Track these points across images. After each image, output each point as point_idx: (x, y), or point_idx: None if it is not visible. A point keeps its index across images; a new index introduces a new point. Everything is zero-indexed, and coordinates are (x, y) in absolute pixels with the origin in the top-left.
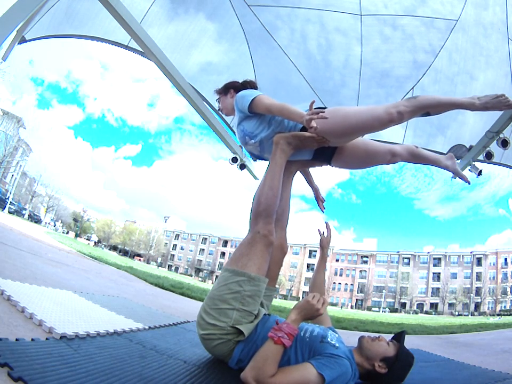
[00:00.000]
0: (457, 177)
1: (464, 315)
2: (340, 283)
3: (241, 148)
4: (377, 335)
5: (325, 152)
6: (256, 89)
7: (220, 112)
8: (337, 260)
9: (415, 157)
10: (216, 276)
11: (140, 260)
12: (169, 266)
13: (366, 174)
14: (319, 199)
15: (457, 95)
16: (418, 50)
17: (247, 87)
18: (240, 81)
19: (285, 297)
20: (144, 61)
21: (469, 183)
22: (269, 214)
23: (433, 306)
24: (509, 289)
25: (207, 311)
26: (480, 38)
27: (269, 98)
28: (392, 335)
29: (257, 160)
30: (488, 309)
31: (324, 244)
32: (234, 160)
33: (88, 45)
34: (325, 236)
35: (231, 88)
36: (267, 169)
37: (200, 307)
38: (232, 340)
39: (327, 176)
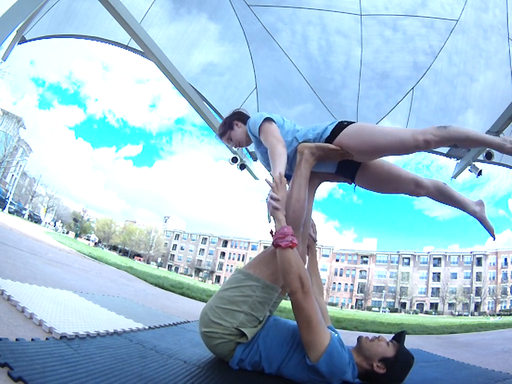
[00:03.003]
0: (484, 227)
1: (464, 315)
2: (339, 283)
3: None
4: (377, 335)
5: (349, 167)
6: (247, 117)
7: (237, 147)
8: (337, 260)
9: (441, 194)
10: (216, 276)
11: (139, 260)
12: (169, 266)
13: None
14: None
15: (457, 96)
16: (418, 52)
17: (243, 115)
18: (233, 113)
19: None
20: (145, 61)
21: (494, 238)
22: (296, 227)
23: (433, 306)
24: (509, 289)
25: (213, 309)
26: (480, 40)
27: (270, 129)
28: (392, 335)
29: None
30: (488, 309)
31: (310, 243)
32: (234, 160)
33: (89, 45)
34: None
35: (234, 120)
36: (293, 178)
37: (206, 304)
38: (234, 341)
39: None
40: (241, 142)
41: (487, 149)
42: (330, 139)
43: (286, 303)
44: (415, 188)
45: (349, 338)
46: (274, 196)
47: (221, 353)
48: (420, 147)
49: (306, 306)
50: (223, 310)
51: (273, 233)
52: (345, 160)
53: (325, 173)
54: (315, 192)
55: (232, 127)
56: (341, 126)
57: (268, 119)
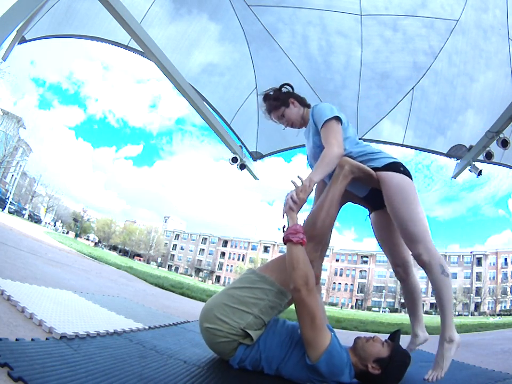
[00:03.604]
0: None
1: (464, 315)
2: (340, 283)
3: (241, 148)
4: (372, 335)
5: (378, 199)
6: (301, 98)
7: (287, 127)
8: (337, 260)
9: (410, 295)
10: (216, 276)
11: (139, 260)
12: (169, 266)
13: None
14: None
15: (457, 96)
16: (418, 52)
17: (297, 95)
18: (285, 90)
19: None
20: (145, 61)
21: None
22: (320, 241)
23: (433, 306)
24: (509, 289)
25: (221, 306)
26: (480, 40)
27: (335, 129)
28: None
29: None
30: (488, 309)
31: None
32: (234, 160)
33: (89, 45)
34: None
35: (290, 98)
36: (327, 190)
37: (212, 299)
38: (237, 341)
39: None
40: (295, 123)
41: (487, 148)
42: (376, 169)
43: None
44: (402, 265)
45: (349, 338)
46: (294, 197)
47: (222, 352)
48: (420, 259)
49: (310, 303)
50: (232, 309)
51: (285, 229)
52: (378, 190)
53: (353, 193)
54: (339, 210)
55: (287, 104)
56: (395, 167)
57: (337, 118)
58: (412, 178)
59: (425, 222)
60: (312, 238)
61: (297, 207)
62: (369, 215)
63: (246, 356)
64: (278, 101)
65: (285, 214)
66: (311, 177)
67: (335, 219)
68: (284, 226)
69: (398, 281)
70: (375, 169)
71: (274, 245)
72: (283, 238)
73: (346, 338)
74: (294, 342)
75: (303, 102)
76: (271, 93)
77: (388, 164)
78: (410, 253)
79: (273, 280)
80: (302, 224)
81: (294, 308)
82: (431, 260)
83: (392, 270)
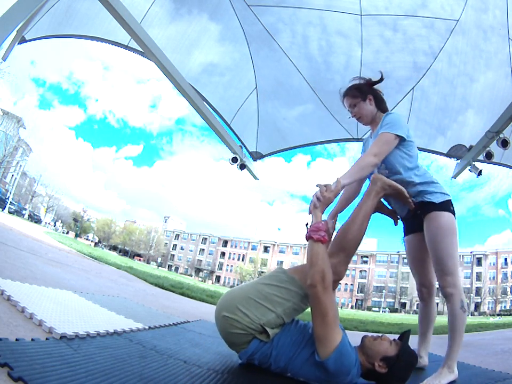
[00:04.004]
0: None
1: None
2: (340, 283)
3: (241, 148)
4: (380, 334)
5: (418, 221)
6: (381, 98)
7: (353, 117)
8: None
9: (426, 316)
10: (216, 276)
11: (139, 260)
12: (169, 266)
13: None
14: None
15: (457, 96)
16: (418, 52)
17: (379, 95)
18: (370, 86)
19: None
20: (146, 61)
21: None
22: (349, 253)
23: None
24: (509, 289)
25: (245, 299)
26: (480, 40)
27: (390, 142)
28: (392, 335)
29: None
30: (488, 309)
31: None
32: (234, 160)
33: (89, 45)
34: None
35: (369, 93)
36: (360, 205)
37: (236, 289)
38: (253, 335)
39: (328, 176)
40: (363, 118)
41: (487, 148)
42: (432, 203)
43: None
44: (428, 287)
45: (349, 338)
46: (318, 195)
47: (234, 343)
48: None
49: (324, 300)
50: (256, 304)
51: (308, 226)
52: (417, 214)
53: (383, 204)
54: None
55: (365, 99)
56: (447, 205)
57: (399, 137)
58: (455, 216)
59: (457, 257)
60: (343, 250)
61: (322, 205)
62: (404, 237)
63: (256, 351)
64: (360, 91)
65: (310, 212)
66: (339, 179)
67: (364, 233)
68: (307, 224)
69: (398, 281)
70: (430, 203)
71: (274, 245)
72: (305, 235)
73: None
74: (305, 341)
75: (380, 104)
76: (360, 81)
77: (443, 201)
78: (434, 276)
79: (302, 284)
80: (324, 221)
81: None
82: (454, 293)
83: (392, 270)
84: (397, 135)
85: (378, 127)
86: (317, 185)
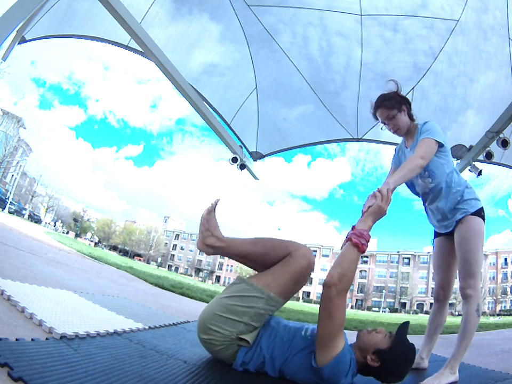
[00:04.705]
0: None
1: None
2: None
3: (241, 148)
4: (377, 327)
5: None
6: (410, 109)
7: (390, 129)
8: None
9: (436, 318)
10: (216, 276)
11: (140, 260)
12: (169, 266)
13: (367, 175)
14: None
15: (457, 97)
16: (418, 53)
17: (410, 106)
18: (403, 97)
19: None
20: (146, 62)
21: None
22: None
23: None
24: (509, 289)
25: (211, 317)
26: (480, 41)
27: (432, 148)
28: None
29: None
30: (488, 309)
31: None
32: (234, 160)
33: (89, 45)
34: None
35: (404, 104)
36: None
37: (205, 309)
38: (235, 345)
39: (328, 176)
40: (401, 130)
41: (487, 148)
42: (466, 211)
43: (286, 303)
44: (446, 289)
45: (349, 338)
46: (378, 201)
47: (224, 357)
48: (465, 290)
49: (337, 302)
50: (222, 319)
51: (353, 228)
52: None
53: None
54: None
55: (400, 110)
56: (480, 212)
57: (438, 143)
58: (485, 222)
59: (482, 263)
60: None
61: (376, 216)
62: (434, 238)
63: (248, 359)
64: (395, 101)
65: (363, 213)
66: (389, 182)
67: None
68: (353, 226)
69: (398, 281)
70: (465, 211)
71: None
72: (347, 235)
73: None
74: (297, 344)
75: (411, 115)
76: (388, 94)
77: (477, 210)
78: (457, 281)
79: (262, 287)
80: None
81: (292, 308)
82: (473, 295)
83: (392, 270)
84: (437, 141)
85: (417, 135)
86: (378, 190)
